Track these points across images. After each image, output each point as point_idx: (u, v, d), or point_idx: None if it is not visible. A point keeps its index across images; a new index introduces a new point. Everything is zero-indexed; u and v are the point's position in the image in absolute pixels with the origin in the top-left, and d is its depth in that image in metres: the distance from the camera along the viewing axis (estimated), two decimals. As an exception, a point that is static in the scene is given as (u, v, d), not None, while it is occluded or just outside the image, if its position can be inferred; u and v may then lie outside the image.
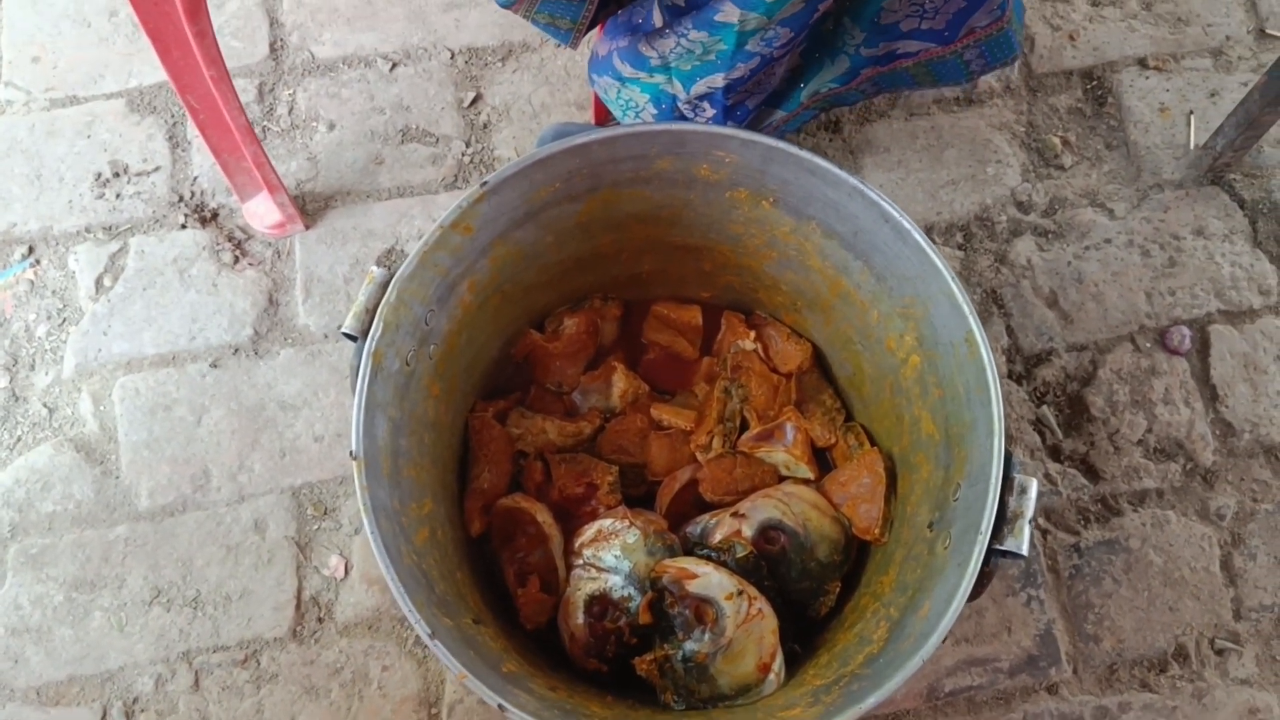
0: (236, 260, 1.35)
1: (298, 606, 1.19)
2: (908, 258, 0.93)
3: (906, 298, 0.96)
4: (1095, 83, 1.49)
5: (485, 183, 0.91)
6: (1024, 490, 0.81)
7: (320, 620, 1.19)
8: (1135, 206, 1.42)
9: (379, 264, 1.29)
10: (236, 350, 1.31)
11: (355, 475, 0.81)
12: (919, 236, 0.90)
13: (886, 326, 1.01)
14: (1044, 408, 1.30)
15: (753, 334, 1.14)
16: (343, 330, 0.85)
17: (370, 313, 0.86)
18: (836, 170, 0.92)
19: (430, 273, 0.91)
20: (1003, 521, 0.80)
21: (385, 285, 0.87)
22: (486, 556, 1.04)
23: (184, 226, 1.37)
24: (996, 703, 1.16)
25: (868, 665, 0.86)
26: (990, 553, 0.79)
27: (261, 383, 1.29)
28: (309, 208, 1.37)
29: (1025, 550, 0.80)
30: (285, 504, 1.23)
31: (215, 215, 1.38)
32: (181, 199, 1.38)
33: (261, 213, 1.33)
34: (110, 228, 1.37)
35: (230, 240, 1.36)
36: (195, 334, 1.31)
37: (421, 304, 0.91)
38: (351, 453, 0.82)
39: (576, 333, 1.13)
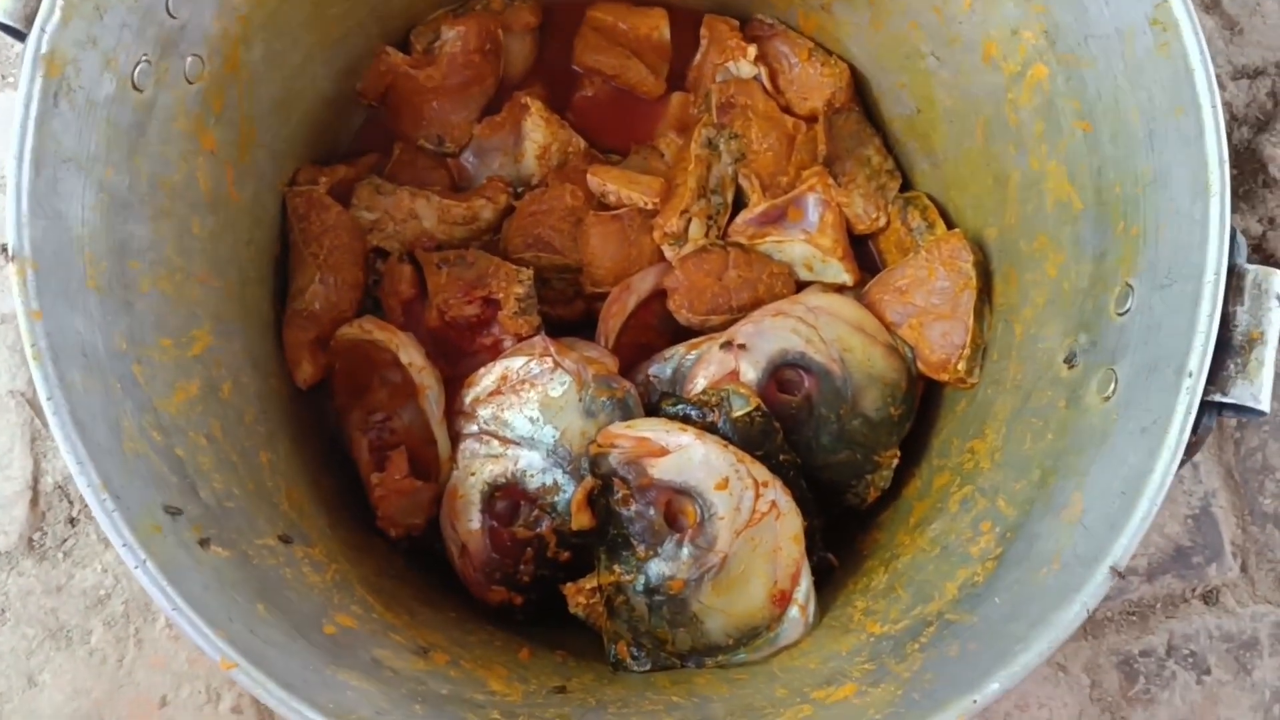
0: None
1: (34, 501, 1.03)
2: None
3: (1032, -44, 0.79)
4: None
5: None
6: (1261, 292, 0.65)
7: (72, 523, 1.03)
8: None
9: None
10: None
11: (14, 290, 0.64)
12: None
13: (987, 17, 0.85)
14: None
15: (753, 51, 1.02)
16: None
17: (43, -22, 0.69)
18: None
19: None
20: (1227, 351, 0.65)
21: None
22: (326, 420, 0.94)
23: None
24: (1127, 621, 1.04)
25: (968, 604, 0.71)
26: (1205, 406, 0.64)
27: None
28: None
29: (1265, 403, 0.64)
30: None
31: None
32: None
33: None
34: None
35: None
36: None
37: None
38: (3, 248, 0.67)
39: (464, 52, 1.00)
